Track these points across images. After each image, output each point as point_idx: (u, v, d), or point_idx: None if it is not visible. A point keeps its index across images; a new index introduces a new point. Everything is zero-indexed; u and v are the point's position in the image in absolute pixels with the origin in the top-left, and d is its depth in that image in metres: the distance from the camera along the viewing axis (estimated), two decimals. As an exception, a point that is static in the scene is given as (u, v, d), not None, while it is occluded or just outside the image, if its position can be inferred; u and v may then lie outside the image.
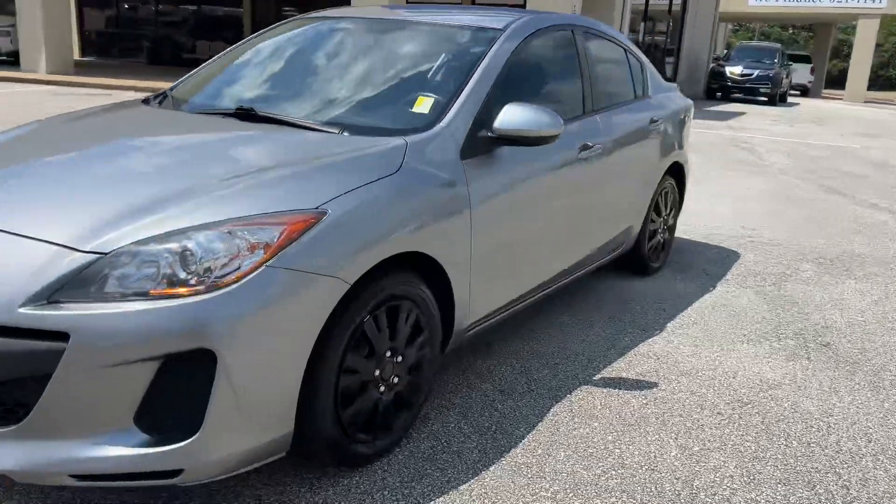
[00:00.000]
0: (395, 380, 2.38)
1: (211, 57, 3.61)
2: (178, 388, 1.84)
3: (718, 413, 2.85)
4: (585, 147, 3.32)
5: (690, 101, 4.86)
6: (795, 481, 2.43)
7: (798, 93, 28.22)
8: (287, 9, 21.19)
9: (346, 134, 2.56)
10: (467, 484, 2.31)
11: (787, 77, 22.68)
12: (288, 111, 2.77)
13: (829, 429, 2.79)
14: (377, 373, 2.29)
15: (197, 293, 1.83)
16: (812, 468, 2.52)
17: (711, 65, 22.46)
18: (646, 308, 3.93)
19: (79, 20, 21.62)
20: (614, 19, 15.04)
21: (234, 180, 2.14)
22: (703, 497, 2.31)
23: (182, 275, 1.85)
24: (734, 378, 3.16)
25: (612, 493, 2.31)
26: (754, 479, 2.43)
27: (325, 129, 2.59)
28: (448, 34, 3.10)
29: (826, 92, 31.95)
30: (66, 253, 1.86)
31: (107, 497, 2.13)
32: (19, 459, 1.80)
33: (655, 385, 3.04)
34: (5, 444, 1.81)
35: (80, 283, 1.82)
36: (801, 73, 27.91)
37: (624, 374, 3.13)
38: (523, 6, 13.27)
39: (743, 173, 8.54)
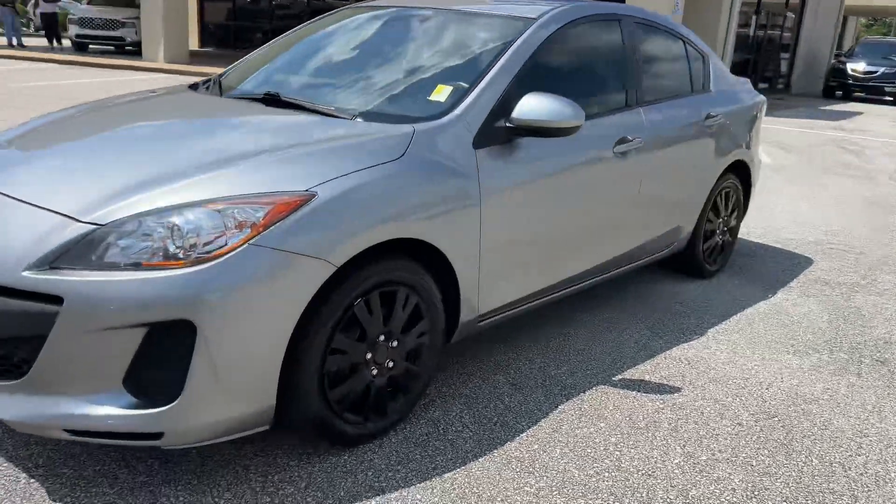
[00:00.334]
0: (391, 364, 2.40)
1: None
2: (162, 356, 1.95)
3: (738, 424, 2.70)
4: (623, 140, 3.22)
5: (762, 97, 4.60)
6: (804, 501, 2.28)
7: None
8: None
9: (359, 120, 2.60)
10: (452, 472, 2.31)
11: (917, 76, 20.90)
12: (315, 97, 2.85)
13: (860, 449, 2.59)
14: (369, 356, 2.32)
15: (183, 266, 1.93)
16: (827, 489, 2.35)
17: (832, 61, 21.04)
18: (690, 311, 3.77)
19: (199, 13, 22.86)
20: (721, 13, 14.41)
21: (234, 161, 2.23)
22: (695, 508, 2.21)
23: (172, 249, 1.96)
24: (767, 389, 2.99)
25: (600, 494, 2.25)
26: (757, 494, 2.30)
27: (339, 114, 2.65)
28: (480, 23, 3.08)
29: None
30: (67, 222, 2.00)
31: (96, 453, 2.29)
32: (20, 410, 1.97)
33: (678, 390, 2.92)
34: (8, 396, 1.98)
35: (80, 251, 1.96)
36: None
37: (647, 377, 3.02)
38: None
39: (842, 177, 7.98)
